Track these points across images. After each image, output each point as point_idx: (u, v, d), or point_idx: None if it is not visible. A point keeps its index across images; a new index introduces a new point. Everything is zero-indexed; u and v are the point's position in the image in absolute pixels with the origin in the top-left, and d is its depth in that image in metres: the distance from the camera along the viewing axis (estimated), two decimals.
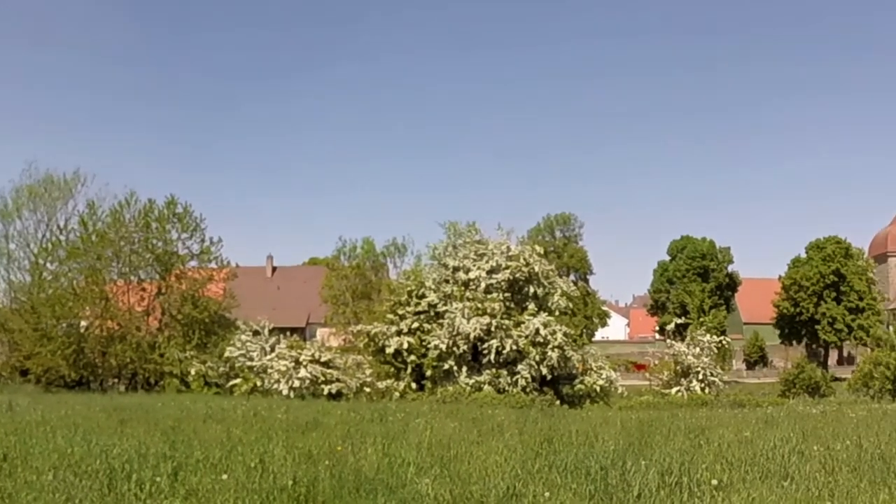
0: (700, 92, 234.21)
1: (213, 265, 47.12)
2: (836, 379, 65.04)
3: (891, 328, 67.09)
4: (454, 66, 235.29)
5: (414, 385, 36.80)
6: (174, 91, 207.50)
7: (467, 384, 35.53)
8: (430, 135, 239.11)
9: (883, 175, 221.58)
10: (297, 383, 34.72)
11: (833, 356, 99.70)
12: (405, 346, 36.79)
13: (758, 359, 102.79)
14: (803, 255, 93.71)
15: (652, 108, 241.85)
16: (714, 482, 9.52)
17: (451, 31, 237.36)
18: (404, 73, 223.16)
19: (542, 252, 41.81)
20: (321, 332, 67.89)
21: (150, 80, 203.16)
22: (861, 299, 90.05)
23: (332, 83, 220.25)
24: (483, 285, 37.67)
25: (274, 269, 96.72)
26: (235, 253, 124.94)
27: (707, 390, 42.45)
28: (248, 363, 37.44)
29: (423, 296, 38.44)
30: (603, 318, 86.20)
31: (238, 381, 36.80)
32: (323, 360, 36.22)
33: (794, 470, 10.60)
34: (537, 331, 36.24)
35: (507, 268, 38.17)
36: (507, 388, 35.69)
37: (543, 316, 37.20)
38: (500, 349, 35.75)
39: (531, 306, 38.10)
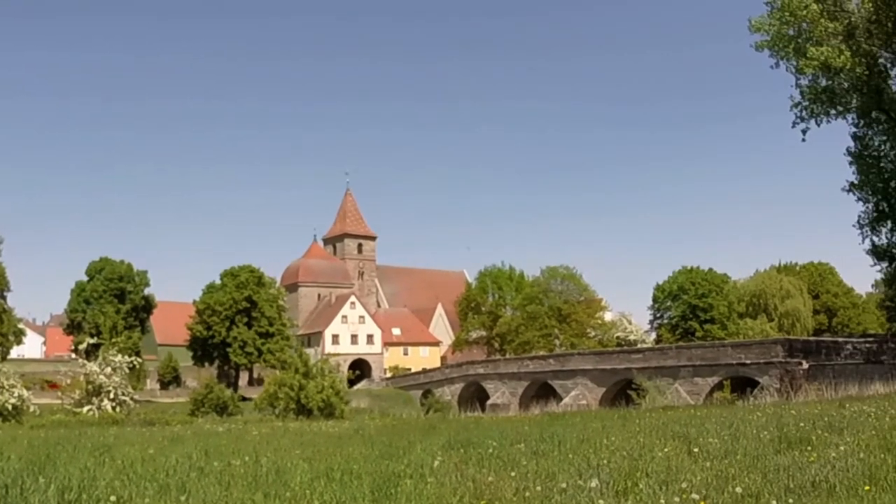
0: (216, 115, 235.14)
1: None
2: (246, 399, 70.81)
3: (296, 352, 71.46)
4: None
5: None
6: None
7: None
8: None
9: (299, 210, 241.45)
10: None
11: (244, 377, 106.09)
12: None
13: (171, 379, 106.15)
14: (218, 282, 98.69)
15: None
16: (113, 498, 9.87)
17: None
18: None
19: None
20: None
21: None
22: (272, 325, 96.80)
23: None
24: None
25: None
26: None
27: (119, 409, 44.88)
28: None
29: None
30: (19, 336, 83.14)
31: None
32: None
33: (193, 485, 11.11)
34: None
35: None
36: None
37: None
38: None
39: None
